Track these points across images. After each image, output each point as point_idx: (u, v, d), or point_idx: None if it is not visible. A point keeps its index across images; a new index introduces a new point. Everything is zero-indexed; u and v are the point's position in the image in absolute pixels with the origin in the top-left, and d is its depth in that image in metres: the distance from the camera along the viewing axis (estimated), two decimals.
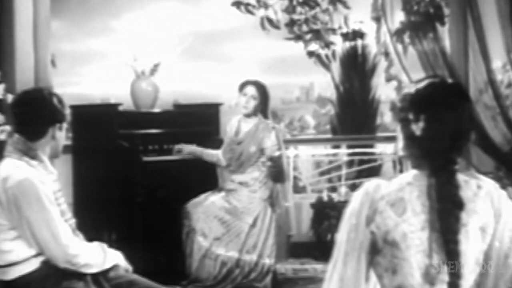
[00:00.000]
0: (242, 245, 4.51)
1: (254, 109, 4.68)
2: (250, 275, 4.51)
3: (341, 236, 1.82)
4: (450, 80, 1.98)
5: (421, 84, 1.85)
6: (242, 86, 4.71)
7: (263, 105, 4.72)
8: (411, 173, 1.84)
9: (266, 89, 4.73)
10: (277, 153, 4.54)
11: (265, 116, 4.74)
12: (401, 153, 1.88)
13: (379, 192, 1.79)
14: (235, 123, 4.81)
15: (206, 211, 4.59)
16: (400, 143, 1.88)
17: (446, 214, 1.75)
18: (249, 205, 4.58)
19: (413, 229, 1.76)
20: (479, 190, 1.82)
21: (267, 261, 4.56)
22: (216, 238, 4.53)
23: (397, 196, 1.78)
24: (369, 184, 1.82)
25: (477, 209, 1.79)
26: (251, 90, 4.67)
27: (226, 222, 4.56)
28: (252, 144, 4.63)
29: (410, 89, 1.87)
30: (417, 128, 1.80)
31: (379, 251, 1.79)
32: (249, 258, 4.51)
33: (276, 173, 4.57)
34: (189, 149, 4.92)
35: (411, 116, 1.82)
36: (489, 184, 1.85)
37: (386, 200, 1.78)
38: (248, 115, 4.70)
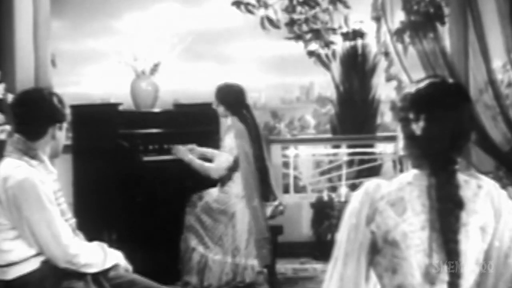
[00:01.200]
0: (227, 248, 4.48)
1: (224, 114, 4.69)
2: (244, 277, 4.47)
3: (341, 236, 1.82)
4: (450, 80, 1.97)
5: (422, 84, 1.86)
6: None
7: (229, 106, 4.65)
8: (411, 173, 1.84)
9: (222, 92, 4.68)
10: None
11: (237, 113, 4.65)
12: (401, 152, 1.88)
13: (379, 191, 1.79)
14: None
15: (195, 214, 4.59)
16: (401, 142, 1.88)
17: (446, 213, 1.75)
18: (223, 205, 4.55)
19: (413, 229, 1.76)
20: (479, 190, 1.82)
21: (254, 262, 4.50)
22: (203, 241, 4.52)
23: (397, 195, 1.78)
24: (369, 184, 1.82)
25: (477, 209, 1.79)
26: (214, 99, 4.70)
27: (209, 225, 4.54)
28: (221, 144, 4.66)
29: (411, 88, 1.87)
30: (417, 128, 1.80)
31: (379, 250, 1.79)
32: (238, 260, 4.47)
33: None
34: (199, 150, 4.87)
35: (411, 116, 1.82)
36: (489, 184, 1.85)
37: (386, 200, 1.78)
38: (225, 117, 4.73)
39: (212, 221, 4.53)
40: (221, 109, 4.67)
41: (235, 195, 4.55)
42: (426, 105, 1.81)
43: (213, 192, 4.66)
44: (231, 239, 4.47)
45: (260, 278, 4.53)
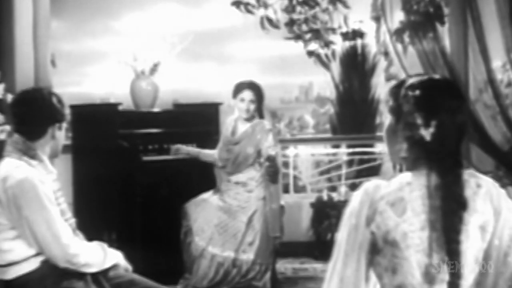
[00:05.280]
0: (238, 245, 4.48)
1: (254, 112, 4.67)
2: (248, 274, 4.48)
3: (341, 236, 1.82)
4: (447, 80, 1.97)
5: (422, 84, 1.84)
6: (238, 90, 4.64)
7: (259, 105, 4.69)
8: (409, 173, 1.83)
9: (261, 90, 4.68)
10: (273, 152, 4.48)
11: (261, 115, 4.71)
12: (402, 154, 1.87)
13: (379, 192, 1.79)
14: (232, 122, 4.76)
15: (203, 211, 4.58)
16: (398, 145, 1.87)
17: (449, 214, 1.74)
18: (244, 203, 4.55)
19: (413, 229, 1.75)
20: (478, 189, 1.82)
21: (251, 255, 4.51)
22: (212, 238, 4.51)
23: (397, 196, 1.78)
24: (369, 184, 1.82)
25: (477, 208, 1.79)
26: (248, 95, 4.61)
27: (222, 222, 4.53)
28: (249, 145, 4.60)
29: (414, 91, 1.83)
30: (427, 134, 1.79)
31: (379, 251, 1.79)
32: (246, 257, 4.48)
33: (274, 172, 4.53)
34: (186, 149, 4.94)
35: (419, 121, 1.80)
36: (488, 183, 1.85)
37: (386, 200, 1.78)
38: (247, 119, 4.68)
39: (230, 219, 4.52)
40: (253, 107, 4.63)
41: (258, 194, 4.57)
42: (437, 110, 1.79)
43: (226, 192, 4.65)
44: (247, 236, 4.48)
45: (267, 276, 4.52)
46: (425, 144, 1.80)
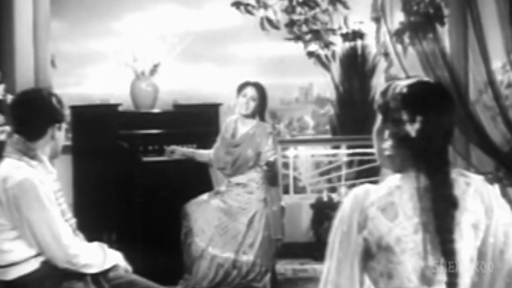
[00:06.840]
0: (238, 246, 4.48)
1: (253, 111, 4.67)
2: (248, 275, 4.48)
3: (333, 243, 1.81)
4: (437, 82, 1.99)
5: (411, 84, 1.84)
6: (242, 87, 4.68)
7: (261, 107, 4.69)
8: (397, 176, 1.83)
9: (265, 91, 4.70)
10: (272, 158, 4.52)
11: (262, 118, 4.72)
12: (387, 152, 1.87)
13: (369, 198, 1.78)
14: (232, 124, 4.77)
15: (203, 212, 4.57)
16: (386, 143, 1.87)
17: (442, 214, 1.74)
18: (245, 205, 4.55)
19: (406, 233, 1.74)
20: (467, 188, 1.81)
21: (251, 258, 4.51)
22: (212, 239, 4.50)
23: (387, 200, 1.77)
24: (358, 190, 1.81)
25: (468, 206, 1.79)
26: (251, 91, 4.64)
27: (223, 223, 4.52)
28: (249, 147, 4.60)
29: (402, 89, 1.84)
30: (412, 129, 1.79)
31: (373, 256, 1.77)
32: (246, 258, 4.48)
33: (272, 176, 4.56)
34: (180, 150, 4.93)
35: (405, 117, 1.80)
36: (477, 181, 1.84)
37: (377, 206, 1.76)
38: (246, 116, 4.68)
39: (230, 220, 4.51)
40: (253, 105, 4.64)
41: (259, 196, 4.57)
42: (422, 107, 1.79)
43: (227, 193, 4.65)
44: (247, 237, 4.48)
45: (267, 277, 4.52)
46: (411, 142, 1.79)
